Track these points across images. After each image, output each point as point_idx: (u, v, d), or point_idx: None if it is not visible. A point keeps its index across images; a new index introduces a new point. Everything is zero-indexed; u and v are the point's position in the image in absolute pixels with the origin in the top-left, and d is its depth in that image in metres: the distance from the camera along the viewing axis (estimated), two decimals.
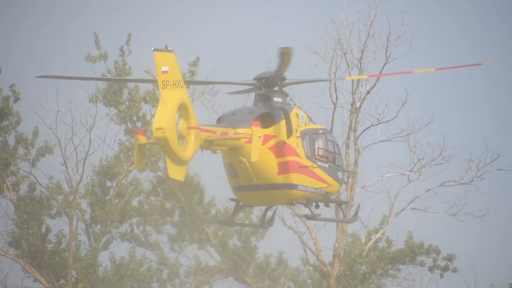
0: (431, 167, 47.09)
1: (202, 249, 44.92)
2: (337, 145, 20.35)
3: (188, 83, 22.48)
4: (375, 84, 45.32)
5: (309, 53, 44.99)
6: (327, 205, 20.18)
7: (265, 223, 20.65)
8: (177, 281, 45.81)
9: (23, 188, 47.84)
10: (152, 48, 16.54)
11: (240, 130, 18.06)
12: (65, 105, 47.88)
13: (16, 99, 47.39)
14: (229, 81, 20.27)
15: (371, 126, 45.71)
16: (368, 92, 45.35)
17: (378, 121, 45.66)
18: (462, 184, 48.34)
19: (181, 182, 20.40)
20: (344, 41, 45.96)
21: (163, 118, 16.50)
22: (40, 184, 47.57)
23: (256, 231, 43.11)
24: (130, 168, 45.24)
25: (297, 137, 18.68)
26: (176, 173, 17.31)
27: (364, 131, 44.46)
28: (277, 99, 19.04)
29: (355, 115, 44.73)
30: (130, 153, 45.36)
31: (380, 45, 46.99)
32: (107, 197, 46.79)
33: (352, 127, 44.87)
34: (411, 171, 47.10)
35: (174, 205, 44.42)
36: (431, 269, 47.50)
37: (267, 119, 18.66)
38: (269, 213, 20.52)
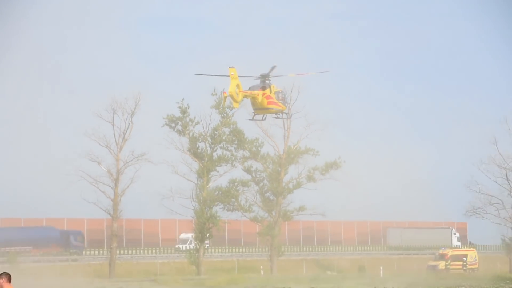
0: None
1: None
2: (284, 92, 48.94)
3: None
4: None
5: None
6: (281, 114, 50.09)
7: (262, 119, 49.62)
8: None
9: None
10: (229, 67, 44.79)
11: (254, 92, 45.62)
12: None
13: None
14: (248, 75, 46.42)
15: None
16: None
17: None
18: None
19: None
20: None
21: (232, 88, 43.91)
22: None
23: None
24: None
25: (273, 92, 46.35)
26: (236, 104, 44.96)
27: None
28: (267, 81, 46.50)
29: None
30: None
31: None
32: None
33: None
34: None
35: None
36: None
37: (264, 88, 46.13)
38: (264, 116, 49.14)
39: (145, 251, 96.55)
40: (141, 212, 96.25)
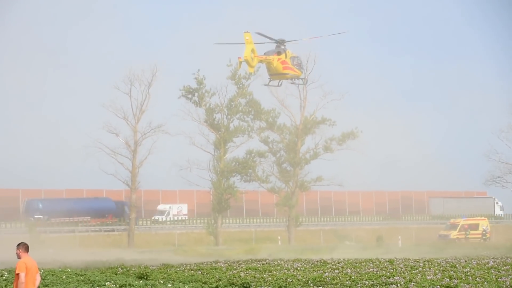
0: None
1: None
2: (299, 58, 48.06)
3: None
4: None
5: None
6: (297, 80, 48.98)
7: (278, 85, 49.13)
8: None
9: None
10: (244, 31, 43.60)
11: (269, 57, 45.37)
12: None
13: None
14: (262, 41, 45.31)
15: None
16: None
17: None
18: None
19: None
20: None
21: (247, 52, 43.50)
22: None
23: None
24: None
25: (289, 57, 45.92)
26: (251, 69, 45.10)
27: None
28: (283, 46, 46.07)
29: None
30: None
31: None
32: None
33: None
34: None
35: None
36: None
37: (279, 53, 45.75)
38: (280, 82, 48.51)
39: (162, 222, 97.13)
40: (159, 183, 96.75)
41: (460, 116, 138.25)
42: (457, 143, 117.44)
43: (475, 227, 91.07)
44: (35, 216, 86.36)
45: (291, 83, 48.70)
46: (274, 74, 46.39)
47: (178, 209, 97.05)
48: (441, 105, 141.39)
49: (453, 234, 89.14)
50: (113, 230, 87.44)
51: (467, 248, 72.02)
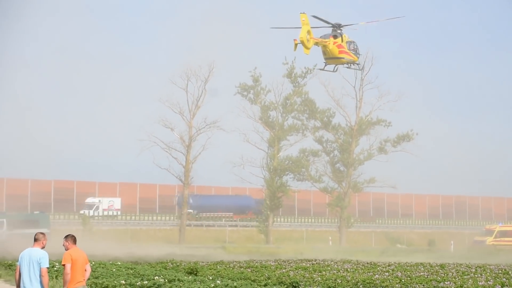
0: None
1: None
2: (355, 43, 46.27)
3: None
4: None
5: None
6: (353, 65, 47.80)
7: (334, 70, 47.37)
8: None
9: None
10: (300, 12, 43.02)
11: (325, 40, 45.03)
12: None
13: None
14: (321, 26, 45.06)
15: None
16: None
17: None
18: None
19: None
20: None
21: (303, 33, 42.88)
22: None
23: None
24: None
25: (345, 41, 45.68)
26: (306, 51, 43.30)
27: None
28: (339, 30, 45.54)
29: None
30: None
31: None
32: None
33: None
34: None
35: None
36: None
37: (335, 36, 45.39)
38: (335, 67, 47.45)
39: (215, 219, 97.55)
40: (212, 180, 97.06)
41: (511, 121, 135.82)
42: (509, 148, 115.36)
43: (511, 234, 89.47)
44: (187, 210, 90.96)
45: (347, 68, 47.58)
46: (330, 58, 45.53)
47: (109, 203, 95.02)
48: (498, 109, 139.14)
49: (489, 240, 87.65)
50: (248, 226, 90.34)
51: None
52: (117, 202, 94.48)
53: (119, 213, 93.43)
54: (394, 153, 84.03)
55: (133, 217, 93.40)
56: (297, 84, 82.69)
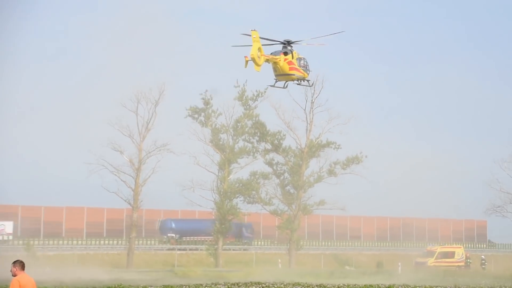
0: None
1: None
2: (305, 59, 45.29)
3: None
4: None
5: None
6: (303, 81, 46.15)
7: (284, 86, 45.87)
8: None
9: None
10: (251, 29, 42.05)
11: (276, 56, 43.84)
12: None
13: None
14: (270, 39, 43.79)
15: None
16: None
17: None
18: None
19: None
20: None
21: (254, 51, 41.80)
22: None
23: None
24: None
25: (295, 58, 44.56)
26: (257, 68, 42.25)
27: None
28: (289, 47, 44.42)
29: None
30: None
31: None
32: None
33: None
34: None
35: None
36: None
37: (286, 53, 44.28)
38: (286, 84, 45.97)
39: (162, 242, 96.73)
40: (161, 203, 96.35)
41: (463, 143, 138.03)
42: (460, 170, 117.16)
43: (451, 255, 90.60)
44: (169, 234, 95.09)
45: (297, 84, 47.66)
46: (280, 75, 45.63)
47: (0, 227, 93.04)
48: (446, 132, 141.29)
49: (430, 261, 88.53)
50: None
51: (467, 277, 71.60)
52: (8, 226, 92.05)
53: (10, 237, 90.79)
54: (343, 175, 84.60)
55: (79, 242, 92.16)
56: (248, 107, 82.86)
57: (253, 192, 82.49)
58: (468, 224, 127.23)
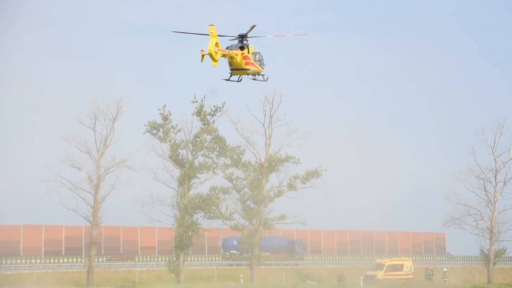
0: None
1: None
2: (261, 54, 45.87)
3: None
4: None
5: None
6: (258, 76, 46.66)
7: (238, 80, 46.21)
8: None
9: None
10: (209, 24, 42.60)
11: (232, 51, 44.52)
12: None
13: None
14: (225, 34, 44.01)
15: None
16: None
17: None
18: None
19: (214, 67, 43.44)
20: None
21: (211, 46, 42.29)
22: None
23: None
24: None
25: (251, 52, 45.24)
26: (214, 63, 42.67)
27: None
28: (245, 41, 45.04)
29: None
30: None
31: None
32: None
33: None
34: None
35: None
36: None
37: (242, 48, 44.92)
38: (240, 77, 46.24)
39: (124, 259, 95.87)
40: (121, 220, 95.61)
41: (421, 156, 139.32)
42: (420, 184, 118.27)
43: (400, 267, 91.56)
44: (231, 251, 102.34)
45: (253, 79, 47.50)
46: (236, 69, 45.62)
47: None
48: (403, 145, 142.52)
49: (380, 274, 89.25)
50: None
51: None
52: None
53: None
54: (303, 189, 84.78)
55: (37, 260, 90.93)
56: (206, 122, 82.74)
57: (214, 207, 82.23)
58: (427, 237, 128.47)
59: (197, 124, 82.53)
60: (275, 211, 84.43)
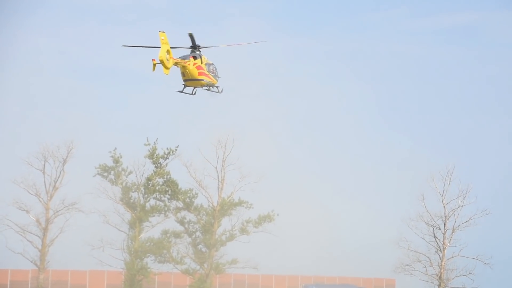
0: None
1: None
2: (214, 65, 45.97)
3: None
4: None
5: None
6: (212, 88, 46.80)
7: (192, 93, 46.08)
8: None
9: None
10: (159, 31, 41.84)
11: (185, 60, 44.54)
12: None
13: None
14: (179, 46, 43.84)
15: None
16: None
17: None
18: None
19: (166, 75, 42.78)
20: None
21: (162, 53, 42.10)
22: None
23: None
24: None
25: (204, 63, 45.22)
26: (166, 71, 42.07)
27: None
28: (198, 52, 45.01)
29: None
30: None
31: None
32: None
33: None
34: None
35: None
36: None
37: (195, 57, 44.92)
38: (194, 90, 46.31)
39: None
40: (69, 263, 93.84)
41: (371, 202, 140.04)
42: (370, 229, 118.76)
43: None
44: None
45: (207, 90, 46.53)
46: (189, 80, 44.61)
47: None
48: (355, 191, 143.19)
49: None
50: None
51: None
52: None
53: None
54: (255, 233, 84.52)
55: None
56: (159, 165, 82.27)
57: (165, 251, 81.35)
58: (378, 283, 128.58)
59: (150, 167, 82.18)
60: (227, 255, 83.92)
